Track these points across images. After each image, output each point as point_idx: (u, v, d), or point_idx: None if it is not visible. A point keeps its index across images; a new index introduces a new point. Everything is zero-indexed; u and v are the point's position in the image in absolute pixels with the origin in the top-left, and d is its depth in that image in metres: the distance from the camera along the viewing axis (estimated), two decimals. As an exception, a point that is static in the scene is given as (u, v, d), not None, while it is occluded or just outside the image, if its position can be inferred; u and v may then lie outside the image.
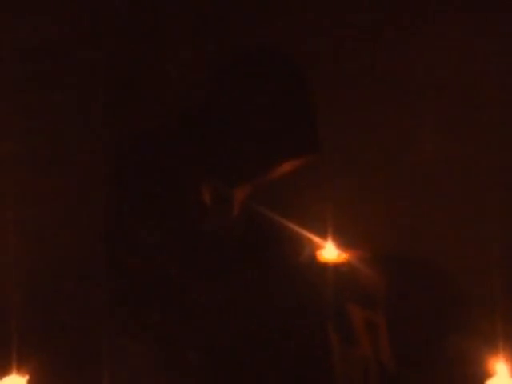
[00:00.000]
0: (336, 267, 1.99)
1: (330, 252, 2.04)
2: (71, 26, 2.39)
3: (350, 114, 2.50)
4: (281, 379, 1.85)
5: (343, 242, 2.07)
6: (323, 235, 2.07)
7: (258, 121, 1.86)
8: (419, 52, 2.46)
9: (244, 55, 1.92)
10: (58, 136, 2.35)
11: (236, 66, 1.91)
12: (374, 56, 2.48)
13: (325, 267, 1.99)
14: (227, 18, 2.59)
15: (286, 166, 1.94)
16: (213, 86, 1.92)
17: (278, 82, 1.88)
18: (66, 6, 2.38)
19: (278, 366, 1.85)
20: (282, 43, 2.01)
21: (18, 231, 2.19)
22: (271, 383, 1.85)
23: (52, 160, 2.35)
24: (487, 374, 1.66)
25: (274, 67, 1.90)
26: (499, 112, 2.41)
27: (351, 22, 2.51)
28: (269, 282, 1.89)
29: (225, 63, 1.93)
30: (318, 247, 2.05)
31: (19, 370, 1.77)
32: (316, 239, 2.05)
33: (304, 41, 2.48)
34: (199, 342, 1.84)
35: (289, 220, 2.03)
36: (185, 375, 1.85)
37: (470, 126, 2.44)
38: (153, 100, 2.54)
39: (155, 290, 1.86)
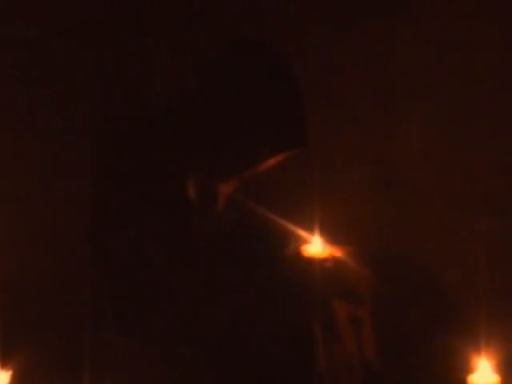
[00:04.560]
0: (321, 262, 1.98)
1: (315, 247, 2.03)
2: (57, 22, 2.39)
3: (338, 110, 2.50)
4: (267, 373, 1.85)
5: (330, 237, 2.06)
6: (309, 230, 2.06)
7: (243, 115, 1.86)
8: (408, 47, 2.46)
9: (229, 50, 1.91)
10: (43, 132, 2.35)
11: (221, 61, 1.90)
12: (363, 51, 2.48)
13: (310, 262, 1.98)
14: (216, 12, 2.59)
15: (273, 160, 1.93)
16: (198, 81, 1.92)
17: (264, 75, 1.88)
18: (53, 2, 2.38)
19: (264, 361, 1.85)
20: (269, 37, 2.00)
21: (2, 228, 2.18)
22: (258, 376, 1.85)
23: (38, 156, 2.35)
24: (470, 370, 1.66)
25: (259, 62, 1.89)
26: (488, 108, 2.41)
27: (339, 16, 2.51)
28: (254, 276, 1.88)
29: (210, 58, 1.92)
30: (304, 242, 2.05)
31: (3, 366, 1.75)
32: (302, 234, 2.05)
33: (291, 36, 2.48)
34: (188, 335, 1.84)
35: (275, 214, 2.03)
36: (175, 369, 1.84)
37: (458, 123, 2.44)
38: (139, 95, 2.53)
39: (142, 284, 1.85)
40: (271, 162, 1.93)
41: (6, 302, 2.06)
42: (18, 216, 2.28)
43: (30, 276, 2.26)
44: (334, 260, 1.99)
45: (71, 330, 2.10)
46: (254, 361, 1.85)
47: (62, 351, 2.10)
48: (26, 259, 2.24)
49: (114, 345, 1.88)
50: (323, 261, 1.98)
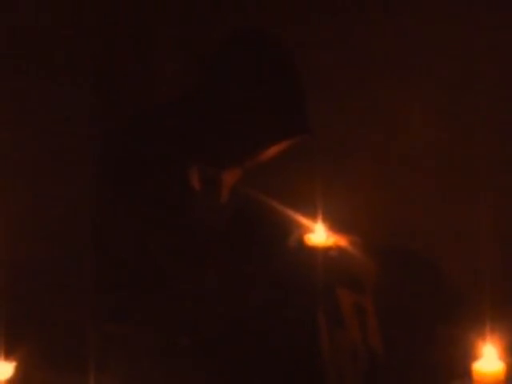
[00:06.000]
0: (325, 251, 1.97)
1: (318, 236, 2.02)
2: (58, 14, 2.39)
3: (340, 98, 2.50)
4: (270, 363, 1.85)
5: (333, 226, 2.06)
6: (312, 219, 2.06)
7: (244, 103, 1.85)
8: (408, 37, 2.45)
9: (232, 40, 1.91)
10: (44, 126, 2.35)
11: (224, 51, 1.90)
12: (363, 41, 2.48)
13: (314, 251, 1.97)
14: (217, 4, 2.59)
15: (276, 149, 1.93)
16: (201, 71, 1.91)
17: (266, 65, 1.87)
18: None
19: (267, 351, 1.85)
20: (270, 27, 2.00)
21: (4, 221, 2.18)
22: (260, 367, 1.85)
23: (38, 150, 2.35)
24: (475, 357, 1.65)
25: (261, 51, 1.88)
26: (488, 100, 2.40)
27: (339, 6, 2.51)
28: (258, 266, 1.88)
29: (212, 48, 1.92)
30: (307, 231, 2.04)
31: (7, 357, 1.75)
32: (305, 223, 2.04)
33: (292, 25, 2.48)
34: (189, 327, 1.84)
35: (278, 203, 2.02)
36: (175, 361, 1.84)
37: (459, 113, 2.44)
38: (141, 86, 2.53)
39: (143, 276, 1.85)
40: (273, 150, 1.93)
41: (9, 295, 2.06)
42: (20, 211, 2.28)
43: (33, 269, 2.27)
44: (338, 249, 1.98)
45: (74, 323, 2.10)
46: (257, 349, 1.84)
47: (65, 343, 2.10)
48: (30, 253, 2.25)
49: (116, 336, 1.88)
50: (327, 249, 1.97)
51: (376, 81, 2.47)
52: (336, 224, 2.06)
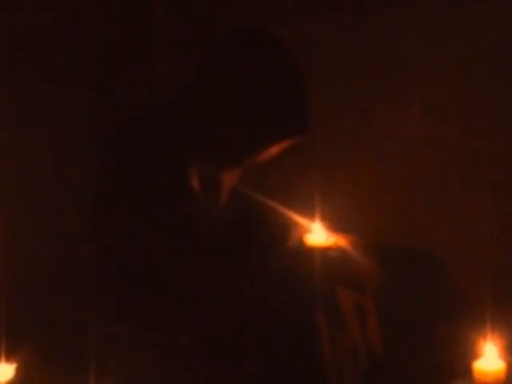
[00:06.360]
0: (324, 251, 1.97)
1: (318, 236, 2.02)
2: (57, 15, 2.39)
3: (339, 97, 2.50)
4: (270, 364, 1.85)
5: (331, 226, 2.06)
6: (311, 218, 2.06)
7: (245, 103, 1.85)
8: (408, 35, 2.45)
9: (231, 38, 1.91)
10: (43, 126, 2.35)
11: (223, 50, 1.90)
12: (364, 39, 2.48)
13: (313, 251, 1.97)
14: (217, 4, 2.59)
15: (275, 148, 1.93)
16: (200, 70, 1.91)
17: (266, 65, 1.87)
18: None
19: (268, 351, 1.84)
20: (270, 27, 2.00)
21: (5, 221, 2.18)
22: (261, 367, 1.84)
23: (40, 150, 2.35)
24: (475, 355, 1.65)
25: (261, 50, 1.89)
26: (489, 99, 2.40)
27: (339, 6, 2.51)
28: (257, 267, 1.88)
29: (211, 47, 1.91)
30: (306, 231, 2.04)
31: (8, 359, 1.75)
32: (304, 223, 2.04)
33: (292, 25, 2.48)
34: (189, 327, 1.83)
35: (277, 203, 2.02)
36: (175, 361, 1.84)
37: (459, 113, 2.44)
38: (141, 86, 2.53)
39: (143, 277, 1.85)
40: (273, 149, 1.93)
41: (9, 295, 2.06)
42: (20, 211, 2.28)
43: (33, 269, 2.27)
44: (338, 249, 1.98)
45: (74, 323, 2.10)
46: (257, 349, 1.84)
47: (65, 343, 2.10)
48: (31, 254, 2.25)
49: (117, 336, 1.88)
50: (327, 249, 1.97)
51: (376, 80, 2.47)
52: (335, 223, 2.06)
